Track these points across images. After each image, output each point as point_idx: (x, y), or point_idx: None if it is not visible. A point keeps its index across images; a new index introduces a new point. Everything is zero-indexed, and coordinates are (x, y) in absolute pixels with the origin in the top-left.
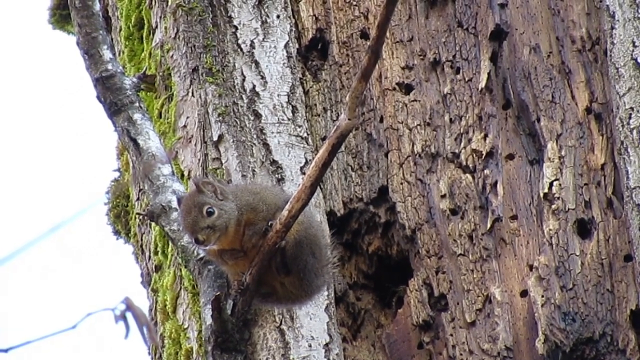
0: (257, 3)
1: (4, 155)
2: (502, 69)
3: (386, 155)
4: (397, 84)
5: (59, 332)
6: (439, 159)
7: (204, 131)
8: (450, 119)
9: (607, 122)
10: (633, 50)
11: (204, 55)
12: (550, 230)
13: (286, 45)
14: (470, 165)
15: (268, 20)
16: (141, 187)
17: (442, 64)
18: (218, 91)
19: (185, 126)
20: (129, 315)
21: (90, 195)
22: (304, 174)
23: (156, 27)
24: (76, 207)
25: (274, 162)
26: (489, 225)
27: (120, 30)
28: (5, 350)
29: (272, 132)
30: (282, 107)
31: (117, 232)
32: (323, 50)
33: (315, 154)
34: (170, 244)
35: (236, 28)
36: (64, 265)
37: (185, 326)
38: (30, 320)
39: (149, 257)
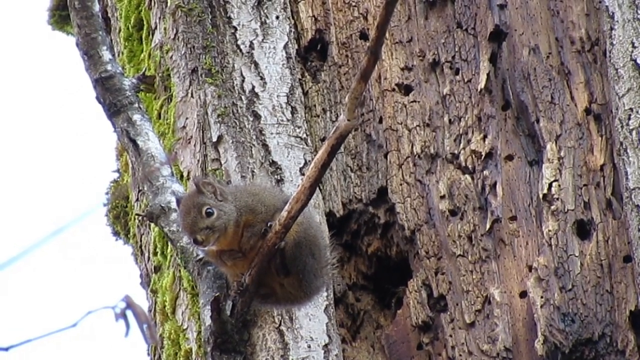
0: (256, 4)
1: (4, 156)
2: (502, 70)
3: (385, 156)
4: (396, 84)
5: (59, 330)
6: (438, 160)
7: (203, 132)
8: (450, 120)
9: (606, 123)
10: (632, 51)
11: (203, 56)
12: (549, 231)
13: (285, 46)
14: (470, 166)
15: (267, 21)
16: (140, 188)
17: (442, 64)
18: (217, 92)
19: (184, 127)
20: (129, 313)
21: (90, 196)
22: (303, 174)
23: (155, 28)
24: (75, 208)
25: (273, 162)
26: (488, 226)
27: (120, 31)
28: (6, 349)
29: (272, 133)
30: (282, 108)
31: (116, 233)
32: (322, 51)
33: (315, 155)
34: (169, 244)
35: (235, 29)
36: (64, 266)
37: (185, 327)
38: (30, 318)
39: (148, 258)
